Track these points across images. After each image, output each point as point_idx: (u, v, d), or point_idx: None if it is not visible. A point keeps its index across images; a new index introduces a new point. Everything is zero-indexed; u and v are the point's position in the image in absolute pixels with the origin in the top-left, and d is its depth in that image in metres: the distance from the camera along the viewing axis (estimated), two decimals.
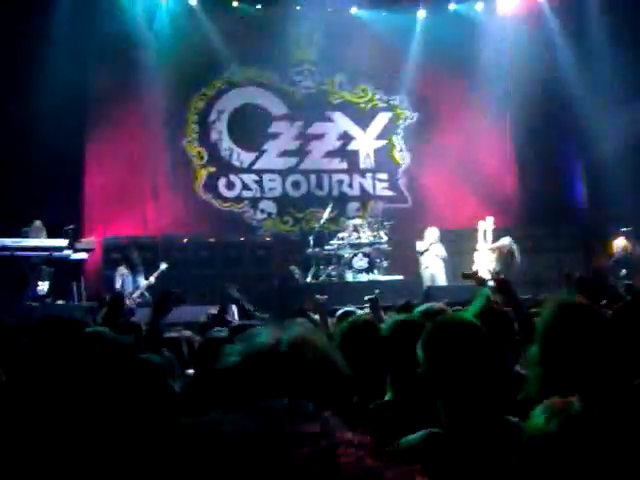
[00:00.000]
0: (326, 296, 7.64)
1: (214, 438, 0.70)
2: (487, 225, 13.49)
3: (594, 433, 1.93)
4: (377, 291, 7.16)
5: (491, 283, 5.31)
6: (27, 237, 12.00)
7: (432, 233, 13.88)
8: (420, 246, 13.90)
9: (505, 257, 13.14)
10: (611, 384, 2.54)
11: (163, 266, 12.60)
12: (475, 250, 13.59)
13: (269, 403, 0.76)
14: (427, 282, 13.56)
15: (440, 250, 13.85)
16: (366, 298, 6.67)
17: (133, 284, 12.57)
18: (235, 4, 15.73)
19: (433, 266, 13.79)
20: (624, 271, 12.73)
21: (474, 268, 13.01)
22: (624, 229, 13.92)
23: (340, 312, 6.17)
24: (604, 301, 5.23)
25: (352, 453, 0.69)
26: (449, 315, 3.32)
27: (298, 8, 15.91)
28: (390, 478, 0.71)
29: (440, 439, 2.43)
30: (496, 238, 13.41)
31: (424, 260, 13.89)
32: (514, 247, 13.18)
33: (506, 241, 13.29)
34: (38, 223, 12.23)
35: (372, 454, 0.72)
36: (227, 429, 0.70)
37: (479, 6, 16.43)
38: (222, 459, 0.67)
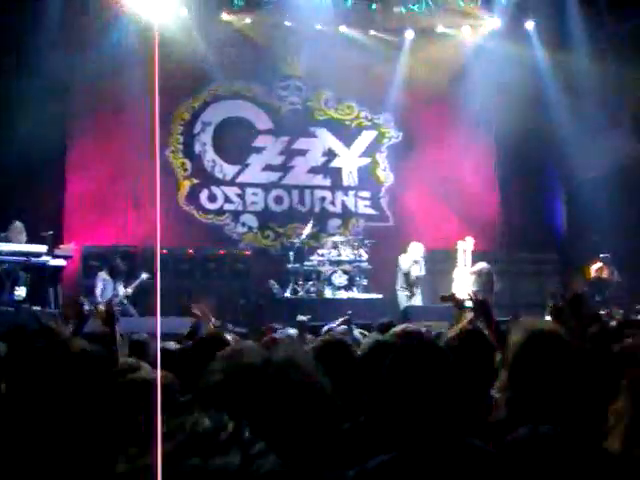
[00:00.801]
0: (309, 316, 7.64)
1: None
2: (467, 246, 13.46)
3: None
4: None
5: (469, 303, 5.32)
6: (6, 239, 11.93)
7: (415, 250, 13.82)
8: (404, 263, 13.76)
9: (484, 281, 13.16)
10: (580, 410, 2.56)
11: (144, 276, 12.56)
12: (454, 271, 13.60)
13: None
14: (403, 301, 13.53)
15: (419, 269, 13.84)
16: (300, 319, 6.71)
17: (112, 291, 12.51)
18: (224, 17, 15.73)
19: (411, 285, 13.78)
20: (597, 297, 12.85)
21: (453, 289, 13.02)
22: (602, 255, 14.04)
23: (325, 329, 6.21)
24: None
25: None
26: (413, 337, 3.32)
27: (287, 24, 15.96)
28: None
29: (397, 463, 2.39)
30: (475, 260, 13.42)
31: (403, 280, 13.84)
32: (491, 271, 13.20)
33: (484, 265, 13.27)
34: (18, 224, 12.15)
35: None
36: None
37: (466, 29, 16.54)
38: None
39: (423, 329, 5.62)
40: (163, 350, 4.40)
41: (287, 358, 1.69)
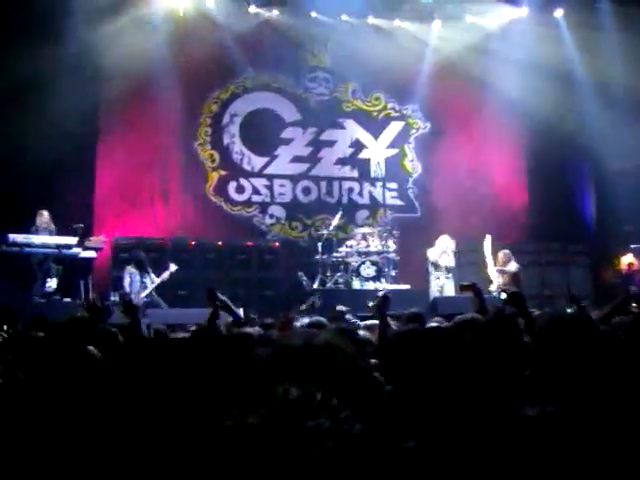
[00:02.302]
0: (349, 308, 7.67)
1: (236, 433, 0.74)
2: (486, 244, 13.46)
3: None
4: (380, 293, 7.16)
5: (503, 296, 5.33)
6: (36, 231, 12.08)
7: (443, 242, 13.84)
8: (431, 254, 13.83)
9: (513, 280, 13.17)
10: (603, 396, 2.57)
11: (172, 267, 12.64)
12: (485, 265, 13.61)
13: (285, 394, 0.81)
14: (435, 293, 13.55)
15: (450, 259, 13.84)
16: (370, 304, 6.69)
17: (140, 285, 12.60)
18: (252, 9, 15.76)
19: (442, 276, 13.78)
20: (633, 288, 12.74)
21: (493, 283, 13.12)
22: (633, 246, 13.93)
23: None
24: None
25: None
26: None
27: (314, 15, 15.98)
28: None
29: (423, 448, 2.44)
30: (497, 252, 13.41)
31: (434, 270, 13.86)
32: (519, 272, 13.27)
33: (513, 267, 13.31)
34: (45, 213, 12.30)
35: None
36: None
37: (494, 19, 16.42)
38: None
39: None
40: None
41: (331, 341, 1.77)
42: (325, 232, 14.53)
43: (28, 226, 12.12)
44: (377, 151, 16.90)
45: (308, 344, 1.72)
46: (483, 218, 15.49)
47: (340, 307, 7.47)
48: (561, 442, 2.17)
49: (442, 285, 13.67)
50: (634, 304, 6.94)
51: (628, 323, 4.15)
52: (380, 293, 5.63)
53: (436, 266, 13.76)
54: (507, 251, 13.44)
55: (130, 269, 12.69)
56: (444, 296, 13.31)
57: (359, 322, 6.60)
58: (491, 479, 2.15)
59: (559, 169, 16.23)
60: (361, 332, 5.31)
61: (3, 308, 6.50)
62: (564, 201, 16.35)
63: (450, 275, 13.80)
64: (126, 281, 12.61)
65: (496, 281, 13.18)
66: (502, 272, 13.18)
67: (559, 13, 16.13)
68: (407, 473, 1.99)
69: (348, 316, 6.76)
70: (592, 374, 2.61)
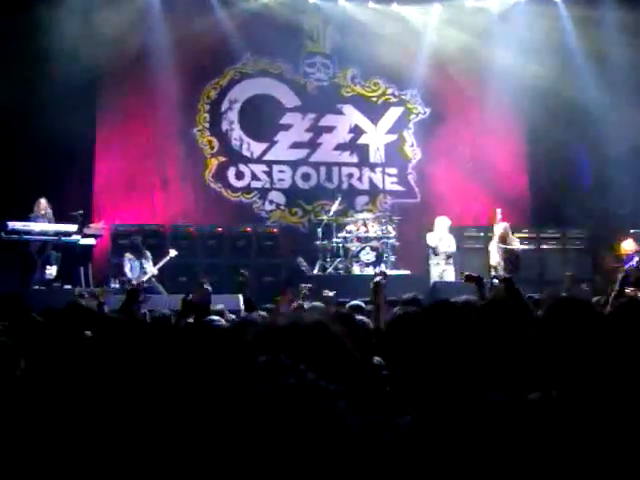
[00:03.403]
0: (334, 291, 7.69)
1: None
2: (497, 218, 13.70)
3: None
4: (377, 271, 7.16)
5: (495, 281, 5.37)
6: (35, 218, 12.07)
7: (442, 223, 13.91)
8: (431, 240, 13.91)
9: (512, 260, 13.26)
10: (605, 379, 2.57)
11: (172, 253, 12.66)
12: (489, 244, 13.73)
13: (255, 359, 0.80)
14: (435, 278, 13.58)
15: (450, 244, 13.88)
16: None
17: (140, 270, 12.61)
18: None
19: (443, 261, 13.82)
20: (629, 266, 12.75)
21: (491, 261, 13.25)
22: (633, 230, 13.92)
23: (348, 305, 6.25)
24: None
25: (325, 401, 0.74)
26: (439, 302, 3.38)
27: (312, 0, 15.92)
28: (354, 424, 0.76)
29: (425, 419, 2.51)
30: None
31: (433, 255, 13.92)
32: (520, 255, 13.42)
33: (518, 247, 13.42)
34: (42, 200, 12.29)
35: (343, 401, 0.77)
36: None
37: (494, 3, 16.36)
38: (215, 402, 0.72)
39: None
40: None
41: (318, 320, 1.78)
42: (325, 218, 14.51)
43: (26, 214, 12.11)
44: (376, 136, 16.86)
45: (294, 324, 1.72)
46: (483, 203, 15.50)
47: (327, 292, 7.50)
48: (562, 424, 2.18)
49: (442, 270, 13.71)
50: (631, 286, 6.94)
51: (622, 305, 4.15)
52: (377, 277, 5.63)
53: (435, 251, 13.81)
54: (506, 224, 13.62)
55: (129, 255, 12.70)
56: (444, 281, 13.34)
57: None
58: (487, 455, 2.18)
59: (559, 154, 16.17)
60: (359, 316, 5.33)
61: (10, 296, 6.41)
62: (564, 186, 16.29)
63: (450, 260, 13.84)
64: (126, 267, 12.61)
65: (494, 258, 13.34)
66: (504, 249, 13.32)
67: None
68: (397, 447, 2.02)
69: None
70: (594, 358, 2.61)
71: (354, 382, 1.71)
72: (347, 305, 6.43)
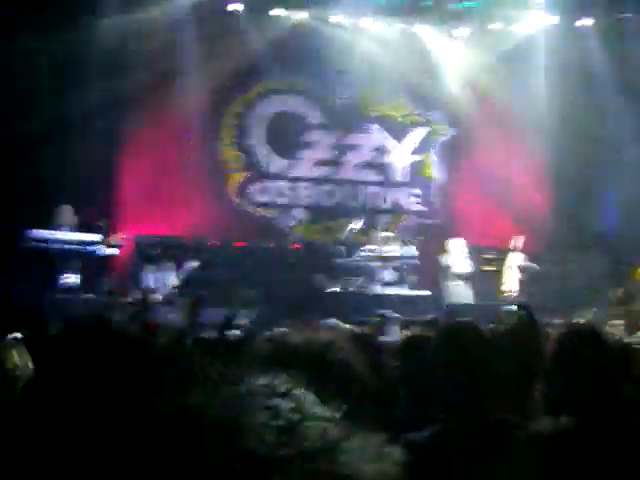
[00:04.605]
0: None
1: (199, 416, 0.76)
2: (518, 243, 13.65)
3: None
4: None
5: (514, 307, 5.37)
6: (59, 226, 12.17)
7: (456, 244, 13.94)
8: (444, 261, 13.94)
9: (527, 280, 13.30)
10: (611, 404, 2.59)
11: (193, 264, 12.71)
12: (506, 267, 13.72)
13: (250, 382, 0.81)
14: (450, 299, 13.58)
15: (465, 266, 13.87)
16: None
17: (160, 281, 12.67)
18: (277, 12, 15.76)
19: (457, 282, 13.83)
20: None
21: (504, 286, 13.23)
22: None
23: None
24: None
25: (318, 426, 0.75)
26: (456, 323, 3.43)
27: (340, 19, 15.99)
28: (347, 447, 0.76)
29: (440, 435, 2.59)
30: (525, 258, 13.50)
31: (447, 276, 13.94)
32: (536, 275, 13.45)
33: (534, 266, 13.42)
34: (68, 209, 12.39)
35: (338, 427, 0.78)
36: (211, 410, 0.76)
37: (521, 26, 16.34)
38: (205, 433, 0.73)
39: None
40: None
41: (330, 340, 1.82)
42: (347, 236, 14.53)
43: (50, 222, 12.21)
44: (401, 156, 16.87)
45: (308, 342, 1.75)
46: (505, 226, 15.45)
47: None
48: (570, 451, 2.19)
49: (457, 292, 13.71)
50: None
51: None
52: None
53: (449, 272, 13.83)
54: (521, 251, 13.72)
55: (150, 267, 12.77)
56: (459, 303, 13.33)
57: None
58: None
59: (583, 178, 16.09)
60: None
61: (29, 309, 6.36)
62: (587, 210, 16.19)
63: (466, 282, 13.84)
64: (148, 278, 12.69)
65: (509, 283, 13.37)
66: (523, 269, 13.35)
67: (588, 22, 15.99)
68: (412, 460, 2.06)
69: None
70: (602, 385, 2.62)
71: (361, 403, 1.73)
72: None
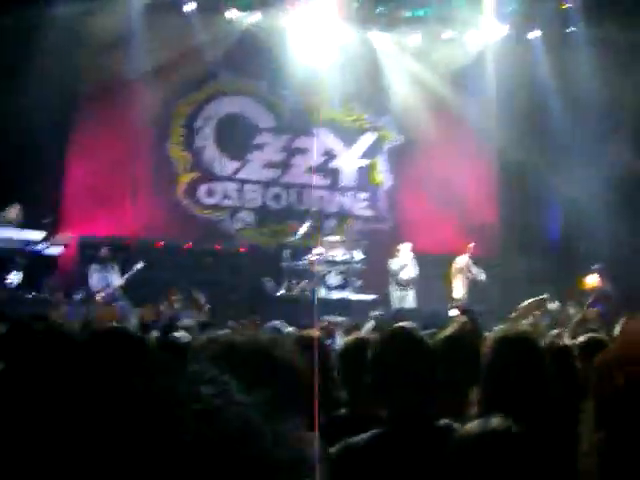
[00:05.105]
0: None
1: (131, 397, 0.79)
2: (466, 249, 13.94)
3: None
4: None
5: (455, 311, 5.47)
6: (1, 227, 11.98)
7: (406, 249, 14.10)
8: (393, 265, 14.05)
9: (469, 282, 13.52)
10: (549, 409, 2.68)
11: (138, 265, 12.63)
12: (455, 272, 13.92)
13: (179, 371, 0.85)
14: (396, 303, 13.69)
15: (412, 271, 14.01)
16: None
17: (105, 281, 12.57)
18: (230, 14, 15.73)
19: (403, 287, 13.96)
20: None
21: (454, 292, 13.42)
22: (596, 266, 14.07)
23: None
24: None
25: (241, 412, 0.78)
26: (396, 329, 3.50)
27: (291, 23, 15.98)
28: (269, 437, 0.79)
29: (381, 438, 2.69)
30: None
31: (394, 281, 14.05)
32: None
33: (482, 275, 13.65)
34: (14, 207, 12.21)
35: (264, 414, 0.81)
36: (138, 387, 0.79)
37: (471, 36, 16.53)
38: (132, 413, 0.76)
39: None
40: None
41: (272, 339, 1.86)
42: (293, 239, 14.56)
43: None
44: (349, 161, 16.95)
45: (252, 341, 1.79)
46: (452, 232, 15.59)
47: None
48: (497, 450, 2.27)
49: (403, 296, 13.84)
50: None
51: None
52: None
53: (396, 277, 13.95)
54: (468, 258, 13.89)
55: (95, 266, 12.67)
56: (406, 307, 13.45)
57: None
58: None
59: (529, 187, 16.34)
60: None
61: None
62: (532, 218, 16.46)
63: (411, 287, 13.99)
64: (92, 278, 12.58)
65: (458, 291, 13.53)
66: (470, 279, 13.56)
67: (535, 34, 16.25)
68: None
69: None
70: (531, 388, 2.74)
71: (301, 403, 1.77)
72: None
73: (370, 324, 7.47)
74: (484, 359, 2.98)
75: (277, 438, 0.78)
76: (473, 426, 2.29)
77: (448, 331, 4.03)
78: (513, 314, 12.56)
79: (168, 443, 0.74)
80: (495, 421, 2.17)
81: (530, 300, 12.41)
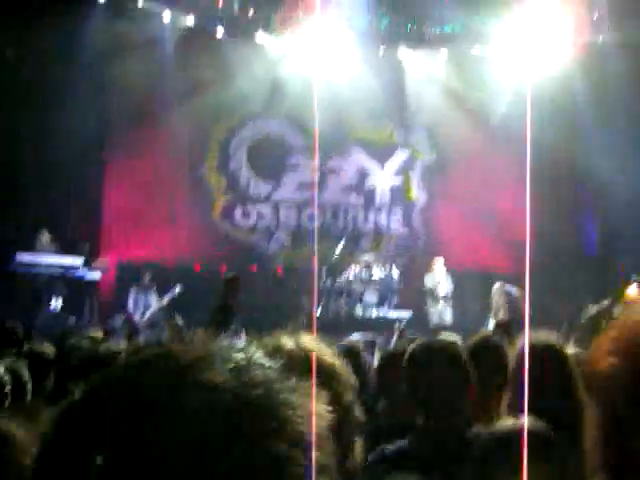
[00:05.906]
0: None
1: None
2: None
3: None
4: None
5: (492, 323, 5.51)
6: (40, 253, 12.19)
7: (440, 265, 14.08)
8: (429, 282, 14.02)
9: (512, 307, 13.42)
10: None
11: (177, 289, 12.74)
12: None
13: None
14: (434, 319, 13.67)
15: (447, 287, 13.98)
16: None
17: (144, 304, 12.71)
18: (259, 39, 15.87)
19: (440, 304, 13.93)
20: None
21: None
22: (636, 277, 13.94)
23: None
24: None
25: (262, 370, 0.87)
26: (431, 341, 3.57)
27: (322, 43, 16.10)
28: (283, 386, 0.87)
29: (414, 445, 2.80)
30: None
31: (431, 297, 14.03)
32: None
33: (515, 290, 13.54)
34: (46, 233, 12.42)
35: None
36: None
37: (500, 51, 16.51)
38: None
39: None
40: None
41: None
42: (329, 259, 14.60)
43: (33, 246, 12.25)
44: (382, 179, 16.99)
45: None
46: (486, 247, 15.56)
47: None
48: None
49: (440, 312, 13.81)
50: None
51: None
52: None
53: (433, 294, 13.92)
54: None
55: (134, 290, 12.81)
56: (443, 324, 13.42)
57: None
58: None
59: (564, 199, 16.24)
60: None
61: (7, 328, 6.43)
62: (568, 232, 16.35)
63: (448, 302, 13.95)
64: (130, 302, 12.74)
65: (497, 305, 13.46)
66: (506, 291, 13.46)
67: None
68: None
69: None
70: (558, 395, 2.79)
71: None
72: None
73: (395, 336, 7.65)
74: (513, 364, 3.05)
75: (292, 389, 0.86)
76: (503, 425, 2.33)
77: (476, 337, 4.11)
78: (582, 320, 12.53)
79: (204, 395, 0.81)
80: (527, 421, 2.21)
81: (595, 307, 12.37)
